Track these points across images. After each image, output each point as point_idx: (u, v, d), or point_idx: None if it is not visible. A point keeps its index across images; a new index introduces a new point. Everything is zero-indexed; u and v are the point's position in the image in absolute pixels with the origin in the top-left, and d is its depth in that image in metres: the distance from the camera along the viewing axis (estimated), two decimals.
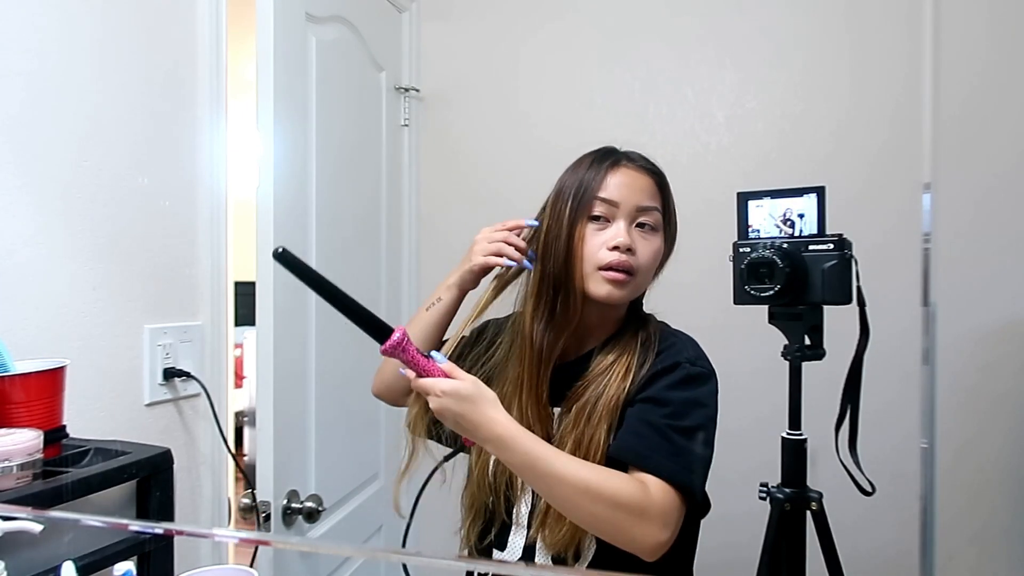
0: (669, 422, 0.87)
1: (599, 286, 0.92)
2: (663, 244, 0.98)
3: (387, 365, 1.09)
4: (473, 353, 1.06)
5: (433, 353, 0.83)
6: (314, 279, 0.76)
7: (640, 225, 0.94)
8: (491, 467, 0.98)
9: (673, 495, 0.83)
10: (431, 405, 0.81)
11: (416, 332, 1.05)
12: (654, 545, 0.82)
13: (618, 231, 0.92)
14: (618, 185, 0.93)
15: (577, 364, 0.98)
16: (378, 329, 0.78)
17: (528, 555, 0.95)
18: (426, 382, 0.80)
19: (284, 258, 0.74)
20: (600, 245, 0.92)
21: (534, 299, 0.96)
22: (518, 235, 1.00)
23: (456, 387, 0.80)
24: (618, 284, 0.92)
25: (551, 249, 0.94)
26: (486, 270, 1.01)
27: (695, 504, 0.87)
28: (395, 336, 0.78)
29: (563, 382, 0.96)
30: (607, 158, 0.96)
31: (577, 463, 0.83)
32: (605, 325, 0.99)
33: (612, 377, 0.93)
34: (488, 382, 0.97)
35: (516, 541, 0.97)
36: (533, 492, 0.95)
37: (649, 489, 0.82)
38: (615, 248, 0.91)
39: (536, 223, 0.99)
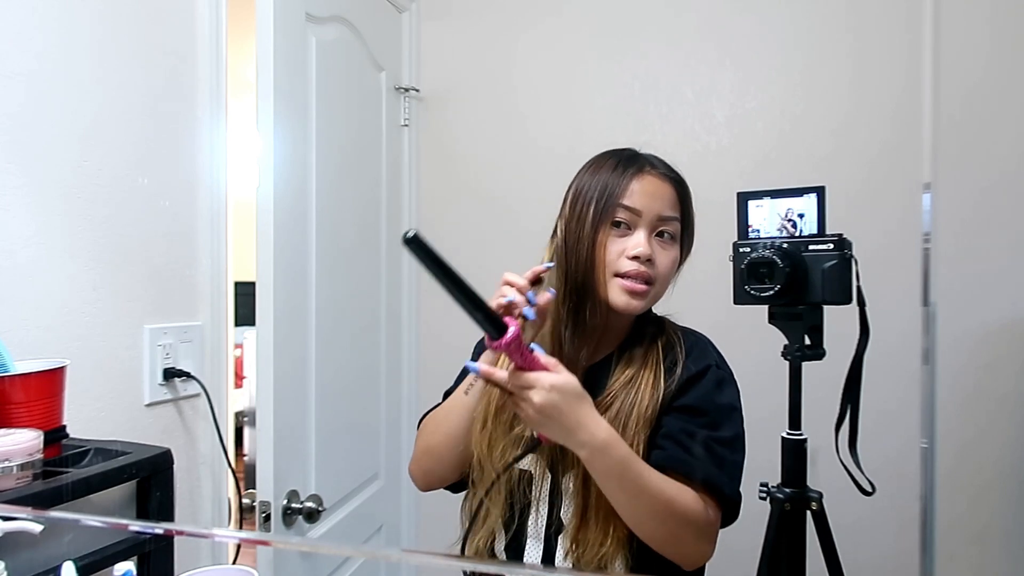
0: (711, 433, 0.88)
1: (617, 295, 0.91)
2: (680, 253, 0.97)
3: (430, 438, 1.00)
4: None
5: (533, 346, 0.79)
6: (441, 269, 0.72)
7: (660, 234, 0.94)
8: (505, 475, 0.94)
9: (717, 507, 0.87)
10: (534, 399, 0.76)
11: (454, 421, 0.97)
12: (701, 559, 0.87)
13: (639, 240, 0.91)
14: (641, 193, 0.92)
15: (594, 371, 0.95)
16: (495, 324, 0.75)
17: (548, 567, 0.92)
18: (531, 375, 0.77)
19: (415, 243, 0.71)
20: (620, 253, 0.91)
21: (560, 304, 0.93)
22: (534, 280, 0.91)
23: (567, 382, 0.78)
24: (636, 295, 0.91)
25: (573, 253, 0.93)
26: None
27: (733, 515, 0.90)
28: (511, 332, 0.74)
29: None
30: (631, 164, 0.95)
31: (658, 477, 0.83)
32: (619, 330, 0.98)
33: (642, 386, 0.92)
34: None
35: (533, 554, 0.94)
36: (551, 503, 0.93)
37: (706, 505, 0.85)
38: (635, 257, 0.91)
39: (550, 264, 0.94)
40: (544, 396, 0.76)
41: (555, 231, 0.98)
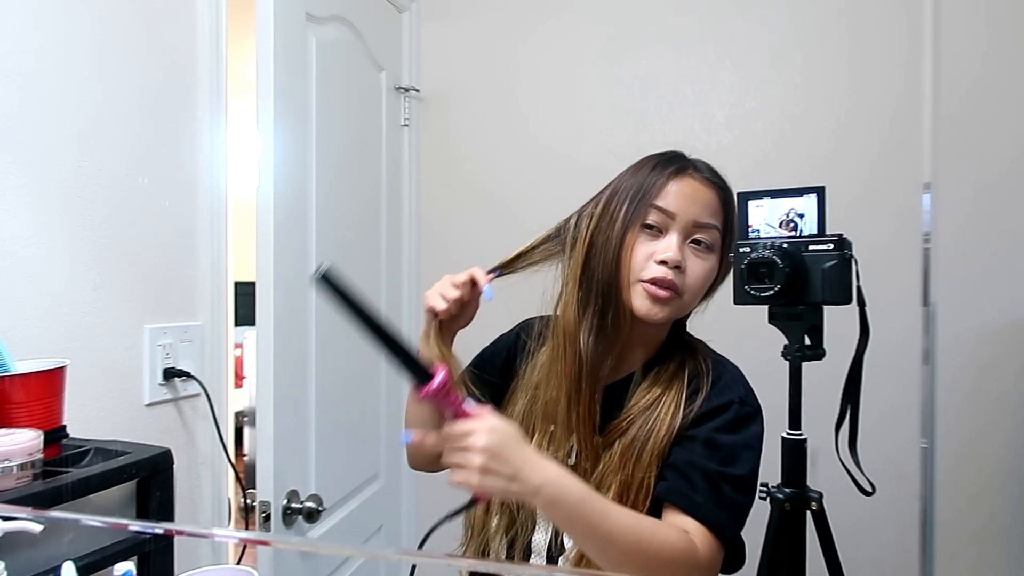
0: (719, 469, 0.82)
1: (640, 300, 0.86)
2: (717, 265, 0.91)
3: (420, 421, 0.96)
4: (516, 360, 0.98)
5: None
6: (356, 308, 0.68)
7: (695, 242, 0.88)
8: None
9: (717, 547, 0.79)
10: (479, 443, 0.70)
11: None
12: None
13: (669, 245, 0.85)
14: (678, 195, 0.87)
15: (615, 389, 0.90)
16: (419, 371, 0.69)
17: None
18: (469, 423, 0.71)
19: (326, 281, 0.66)
20: (647, 256, 0.86)
21: (580, 307, 0.88)
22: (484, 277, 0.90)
23: (506, 424, 0.72)
24: (660, 301, 0.85)
25: (600, 254, 0.87)
26: (433, 312, 0.92)
27: (736, 558, 0.84)
28: (438, 379, 0.69)
29: (600, 409, 0.88)
30: (671, 164, 0.90)
31: (627, 516, 0.76)
32: (646, 346, 0.93)
33: (661, 413, 0.86)
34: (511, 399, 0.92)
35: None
36: (554, 526, 0.89)
37: (696, 541, 0.78)
38: (662, 262, 0.85)
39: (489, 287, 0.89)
40: (487, 438, 0.70)
41: (565, 222, 0.93)
